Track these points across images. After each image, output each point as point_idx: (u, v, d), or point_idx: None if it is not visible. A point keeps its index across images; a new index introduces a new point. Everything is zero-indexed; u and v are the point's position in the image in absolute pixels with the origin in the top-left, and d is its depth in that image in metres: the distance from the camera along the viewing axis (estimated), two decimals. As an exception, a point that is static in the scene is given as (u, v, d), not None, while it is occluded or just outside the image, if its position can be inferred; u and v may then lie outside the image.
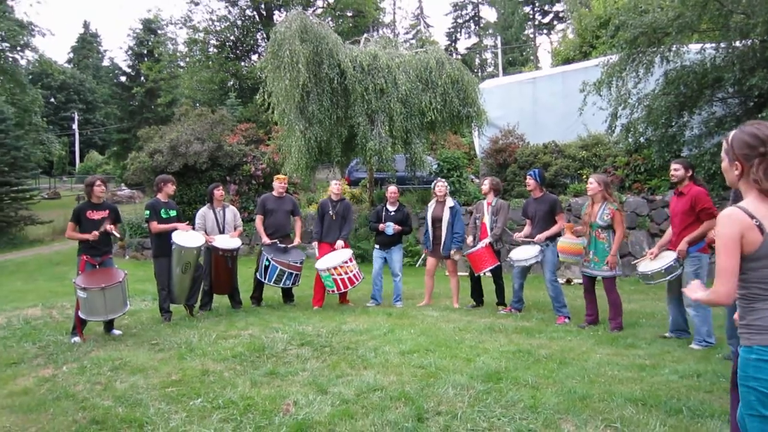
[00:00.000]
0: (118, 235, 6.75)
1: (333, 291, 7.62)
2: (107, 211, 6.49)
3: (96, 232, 6.25)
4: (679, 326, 5.78)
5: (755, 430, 2.19)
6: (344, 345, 5.49)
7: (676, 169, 5.62)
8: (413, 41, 46.69)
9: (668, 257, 5.59)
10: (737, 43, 9.35)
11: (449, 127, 13.86)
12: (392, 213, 8.06)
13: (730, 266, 2.17)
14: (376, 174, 14.90)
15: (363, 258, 11.95)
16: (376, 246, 8.16)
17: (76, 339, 6.11)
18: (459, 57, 45.31)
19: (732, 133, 2.33)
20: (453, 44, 56.88)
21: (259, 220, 8.05)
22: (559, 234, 6.73)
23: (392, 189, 8.25)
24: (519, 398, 3.87)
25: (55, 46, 78.72)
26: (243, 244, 8.72)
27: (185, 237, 7.02)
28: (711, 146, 9.74)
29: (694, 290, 2.39)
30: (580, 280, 9.94)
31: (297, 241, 8.11)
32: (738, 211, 2.18)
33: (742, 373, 2.22)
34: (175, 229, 7.02)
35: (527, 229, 7.16)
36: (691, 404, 3.70)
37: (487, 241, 7.35)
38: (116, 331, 6.48)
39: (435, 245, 7.84)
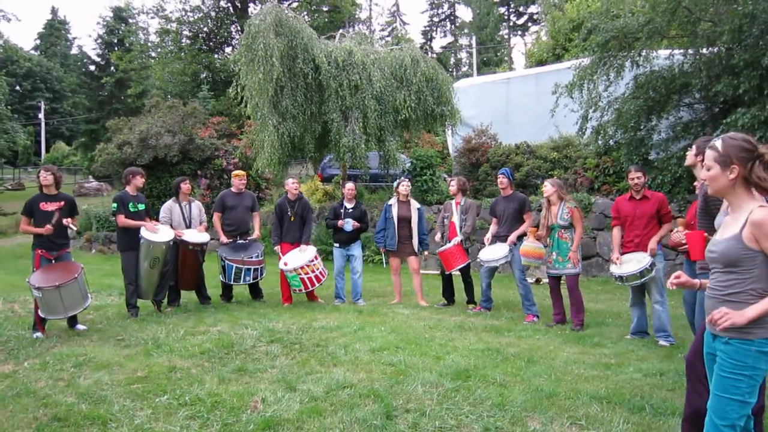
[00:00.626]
0: (74, 229, 6.38)
1: (300, 290, 7.58)
2: (62, 202, 6.25)
3: (49, 226, 5.99)
4: (641, 328, 5.91)
5: (735, 413, 2.32)
6: (314, 342, 5.47)
7: (639, 177, 5.82)
8: (389, 38, 46.70)
9: (640, 260, 5.70)
10: (704, 50, 9.59)
11: (423, 126, 13.89)
12: (350, 210, 8.03)
13: None
14: (349, 171, 14.84)
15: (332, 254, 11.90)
16: (336, 244, 8.12)
17: (38, 334, 5.95)
18: (434, 56, 45.43)
19: (720, 143, 2.43)
20: (428, 43, 57.06)
21: (216, 217, 7.91)
22: (527, 234, 6.85)
23: (349, 186, 8.22)
24: (487, 396, 3.90)
25: (21, 32, 76.53)
26: (212, 238, 8.59)
27: (154, 231, 6.90)
28: (677, 150, 9.97)
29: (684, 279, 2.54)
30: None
31: (257, 234, 8.01)
32: None
33: (736, 362, 2.32)
34: (143, 227, 6.88)
35: (493, 228, 7.25)
36: (653, 402, 3.78)
37: (457, 239, 7.41)
38: (81, 326, 6.33)
39: (401, 244, 7.86)
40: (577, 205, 6.47)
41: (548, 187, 6.47)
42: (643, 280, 5.63)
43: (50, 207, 6.16)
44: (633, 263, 5.72)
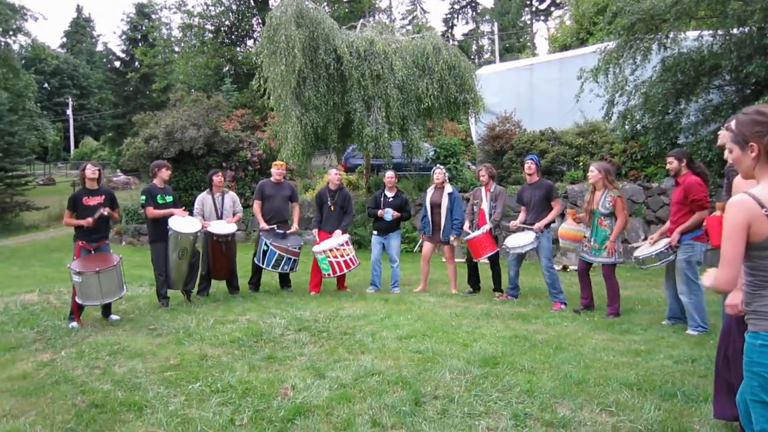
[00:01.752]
0: (116, 217, 6.72)
1: (329, 275, 7.60)
2: (103, 197, 6.48)
3: (90, 219, 6.24)
4: (675, 313, 5.82)
5: (758, 416, 2.15)
6: (342, 330, 5.52)
7: (670, 162, 5.70)
8: (409, 27, 46.33)
9: (662, 244, 5.66)
10: (734, 30, 9.33)
11: (446, 114, 13.83)
12: (390, 199, 8.04)
13: (733, 254, 2.10)
14: (372, 160, 14.88)
15: (360, 244, 11.96)
16: (375, 232, 8.15)
17: (74, 324, 6.12)
18: (456, 43, 45.08)
19: (733, 122, 2.27)
20: (450, 30, 56.49)
21: (257, 205, 8.01)
22: (554, 221, 6.77)
23: (389, 174, 8.22)
24: (515, 382, 3.90)
25: (48, 31, 77.69)
26: (239, 230, 8.68)
27: (182, 222, 7.00)
28: (707, 134, 9.76)
29: (708, 277, 2.35)
30: (576, 267, 10.03)
31: (295, 227, 8.05)
32: (748, 198, 2.10)
33: (747, 359, 2.19)
34: (172, 214, 7.01)
35: (522, 216, 7.18)
36: (685, 389, 3.74)
37: (486, 227, 7.36)
38: (114, 317, 6.49)
39: (434, 231, 7.85)
40: (622, 194, 6.18)
41: (593, 173, 6.22)
42: (645, 266, 5.83)
43: (93, 201, 6.38)
44: (649, 248, 5.75)
